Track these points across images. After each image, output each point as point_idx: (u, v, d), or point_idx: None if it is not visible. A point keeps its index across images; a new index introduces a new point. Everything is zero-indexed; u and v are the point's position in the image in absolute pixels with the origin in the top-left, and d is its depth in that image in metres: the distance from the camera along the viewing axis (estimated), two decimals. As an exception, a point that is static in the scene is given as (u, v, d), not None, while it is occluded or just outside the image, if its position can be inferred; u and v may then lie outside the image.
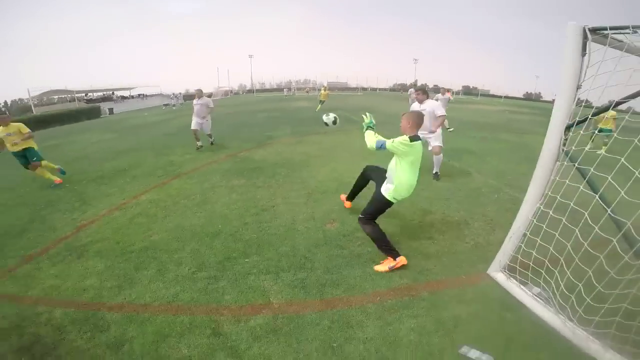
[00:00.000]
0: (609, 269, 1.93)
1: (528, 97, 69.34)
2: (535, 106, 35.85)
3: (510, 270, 2.71)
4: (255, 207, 4.32)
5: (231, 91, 48.26)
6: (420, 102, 5.23)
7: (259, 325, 2.34)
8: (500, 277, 2.75)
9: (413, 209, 4.17)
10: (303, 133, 10.03)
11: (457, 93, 48.44)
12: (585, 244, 2.10)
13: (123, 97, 36.97)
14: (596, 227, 1.95)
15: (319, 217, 4.01)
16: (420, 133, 4.52)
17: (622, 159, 1.79)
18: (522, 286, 2.58)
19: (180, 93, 32.95)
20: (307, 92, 26.71)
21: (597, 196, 2.01)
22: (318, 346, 2.15)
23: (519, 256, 2.62)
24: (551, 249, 2.32)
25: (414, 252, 3.19)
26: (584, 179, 2.10)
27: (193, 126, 7.97)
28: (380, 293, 2.64)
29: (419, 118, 2.88)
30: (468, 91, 66.42)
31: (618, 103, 1.87)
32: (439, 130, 5.30)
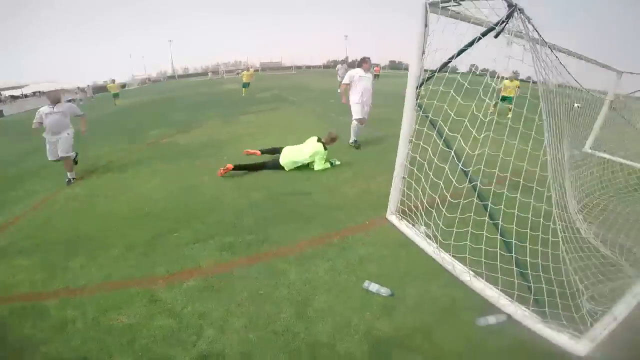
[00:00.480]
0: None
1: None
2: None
3: (402, 212, 3.30)
4: (181, 187, 4.40)
5: (149, 79, 44.06)
6: (366, 70, 5.81)
7: (191, 287, 2.56)
8: (394, 220, 3.33)
9: (330, 173, 4.71)
10: (232, 115, 9.93)
11: (384, 68, 50.84)
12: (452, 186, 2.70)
13: (13, 97, 31.09)
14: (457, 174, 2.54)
15: (245, 187, 4.29)
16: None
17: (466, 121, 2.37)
18: (410, 226, 3.14)
19: (88, 85, 29.06)
20: (238, 74, 25.85)
21: (441, 142, 2.60)
22: (247, 295, 2.45)
23: (405, 199, 3.16)
24: (428, 190, 2.83)
25: (328, 207, 3.67)
26: (434, 128, 2.67)
27: (50, 157, 4.97)
28: (300, 245, 3.03)
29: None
30: (394, 66, 69.90)
31: (443, 65, 2.44)
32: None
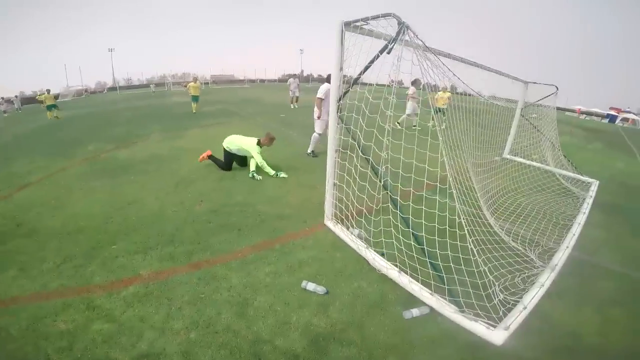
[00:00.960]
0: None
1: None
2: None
3: (338, 217, 3.64)
4: (121, 202, 4.30)
5: (86, 90, 40.54)
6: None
7: (131, 294, 2.60)
8: (331, 224, 3.66)
9: (275, 185, 4.95)
10: (177, 129, 9.72)
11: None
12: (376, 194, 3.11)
13: None
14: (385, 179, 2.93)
15: (187, 201, 4.34)
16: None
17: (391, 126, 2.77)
18: (345, 230, 3.49)
19: (16, 96, 25.97)
20: (186, 86, 24.67)
21: (356, 145, 3.00)
22: (188, 299, 2.55)
23: (338, 203, 3.55)
24: (358, 194, 3.26)
25: (271, 217, 3.89)
26: (351, 137, 3.07)
27: None
28: (242, 251, 3.20)
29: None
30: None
31: (356, 79, 2.87)
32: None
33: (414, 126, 9.53)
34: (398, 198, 2.87)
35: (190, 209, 4.11)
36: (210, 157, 5.72)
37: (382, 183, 2.82)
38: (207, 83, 42.39)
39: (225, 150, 5.45)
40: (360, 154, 3.01)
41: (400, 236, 2.86)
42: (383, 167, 2.83)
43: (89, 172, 5.68)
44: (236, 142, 5.38)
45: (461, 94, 4.38)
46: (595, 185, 5.79)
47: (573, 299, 2.77)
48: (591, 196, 5.13)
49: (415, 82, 9.28)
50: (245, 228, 3.63)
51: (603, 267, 3.33)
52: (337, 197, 3.54)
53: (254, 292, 2.66)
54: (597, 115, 33.15)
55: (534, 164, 6.56)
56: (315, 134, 6.39)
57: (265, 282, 2.78)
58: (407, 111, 10.05)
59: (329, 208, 3.66)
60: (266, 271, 2.92)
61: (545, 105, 7.10)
